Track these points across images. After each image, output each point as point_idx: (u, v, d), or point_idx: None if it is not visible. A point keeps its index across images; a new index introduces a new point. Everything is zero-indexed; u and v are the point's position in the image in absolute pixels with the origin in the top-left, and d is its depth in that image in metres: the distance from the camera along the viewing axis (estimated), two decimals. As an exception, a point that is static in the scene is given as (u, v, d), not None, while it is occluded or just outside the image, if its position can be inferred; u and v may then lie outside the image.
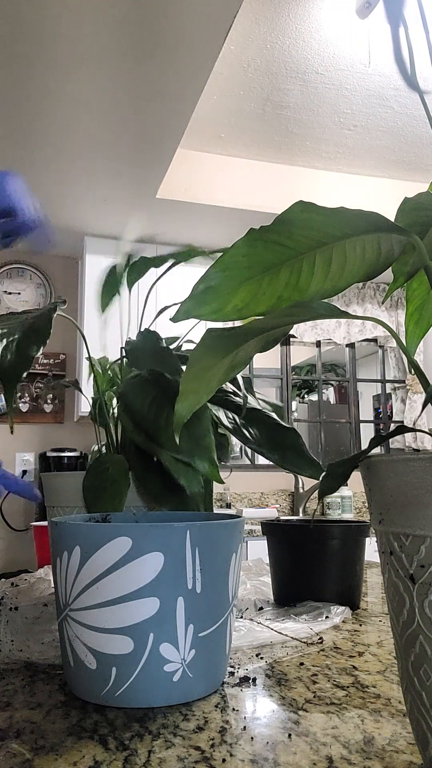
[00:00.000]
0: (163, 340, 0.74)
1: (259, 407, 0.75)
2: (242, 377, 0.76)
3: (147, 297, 0.85)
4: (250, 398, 0.76)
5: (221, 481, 0.65)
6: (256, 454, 3.56)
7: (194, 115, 2.53)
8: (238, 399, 0.75)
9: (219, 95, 2.50)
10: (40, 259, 3.36)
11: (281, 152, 2.93)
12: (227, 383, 0.77)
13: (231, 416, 0.74)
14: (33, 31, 1.75)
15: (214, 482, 0.69)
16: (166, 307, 0.78)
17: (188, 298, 0.40)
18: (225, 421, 0.72)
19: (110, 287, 0.79)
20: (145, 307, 0.84)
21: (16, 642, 0.64)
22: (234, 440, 0.75)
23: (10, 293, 3.27)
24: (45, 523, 1.30)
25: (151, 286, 0.83)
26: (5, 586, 0.89)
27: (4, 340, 0.51)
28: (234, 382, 0.77)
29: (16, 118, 2.16)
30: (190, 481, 0.65)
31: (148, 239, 3.25)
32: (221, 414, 0.73)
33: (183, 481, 0.65)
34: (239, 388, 0.76)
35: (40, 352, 0.51)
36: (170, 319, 0.68)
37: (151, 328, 0.78)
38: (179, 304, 0.40)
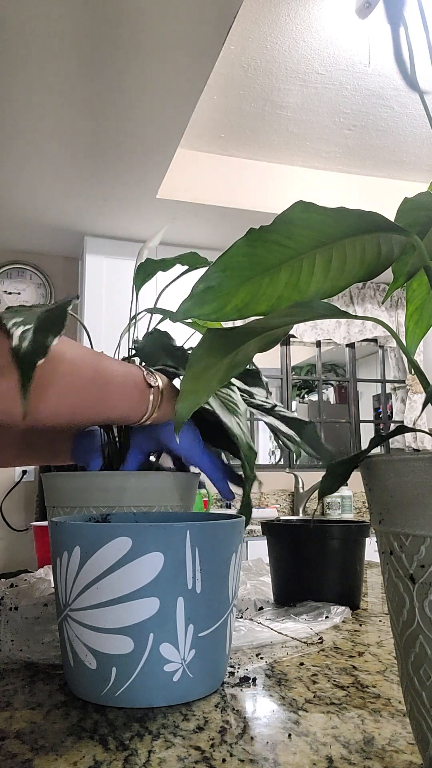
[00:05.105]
0: (175, 340, 0.76)
1: (269, 406, 0.78)
2: (254, 370, 0.80)
3: (156, 301, 0.85)
4: (264, 393, 0.79)
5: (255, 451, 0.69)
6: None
7: (194, 115, 2.53)
8: (248, 397, 0.77)
9: (219, 95, 2.50)
10: (40, 259, 3.36)
11: (281, 152, 2.93)
12: (237, 379, 0.80)
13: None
14: (28, 25, 1.75)
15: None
16: (164, 313, 0.79)
17: (188, 298, 0.40)
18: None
19: (144, 270, 0.80)
20: (155, 307, 0.84)
21: (16, 642, 0.64)
22: None
23: (10, 293, 3.27)
24: (45, 523, 1.30)
25: (161, 292, 0.84)
26: (5, 586, 0.89)
27: (21, 328, 0.50)
28: (258, 383, 0.80)
29: (15, 117, 2.16)
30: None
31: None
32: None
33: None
34: (266, 389, 0.81)
35: (55, 342, 0.50)
36: (170, 319, 0.68)
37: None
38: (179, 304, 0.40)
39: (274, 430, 0.75)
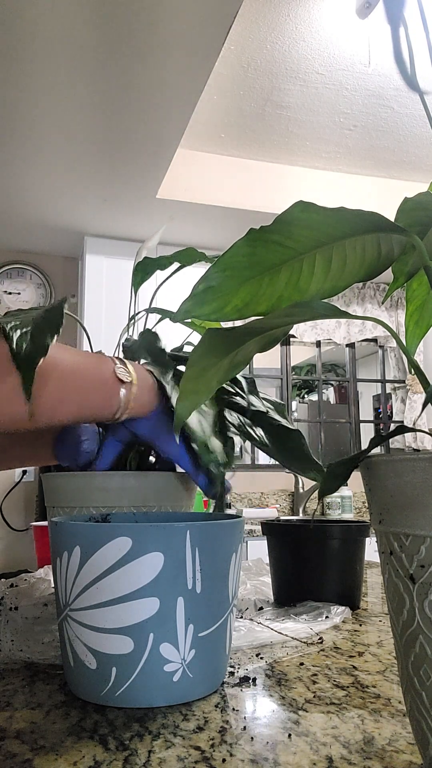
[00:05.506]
0: (161, 341, 0.75)
1: (263, 410, 0.75)
2: (245, 378, 0.77)
3: (152, 299, 0.85)
4: (255, 400, 0.76)
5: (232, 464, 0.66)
6: (256, 453, 3.53)
7: (194, 115, 2.53)
8: (240, 400, 0.75)
9: (219, 95, 2.50)
10: (40, 259, 3.36)
11: (281, 152, 2.93)
12: (231, 384, 0.78)
13: (235, 415, 0.75)
14: (29, 26, 1.75)
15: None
16: (163, 312, 0.79)
17: (188, 298, 0.40)
18: (231, 420, 0.73)
19: (143, 269, 0.80)
20: (150, 306, 0.84)
21: (16, 642, 0.64)
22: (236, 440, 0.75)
23: (10, 293, 3.27)
24: (45, 523, 1.30)
25: (156, 289, 0.84)
26: (5, 586, 0.89)
27: (18, 331, 0.51)
28: (237, 383, 0.77)
29: (16, 118, 2.16)
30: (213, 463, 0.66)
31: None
32: (228, 413, 0.73)
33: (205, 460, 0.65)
34: (242, 389, 0.77)
35: (54, 340, 0.50)
36: (170, 319, 0.68)
37: (153, 330, 0.78)
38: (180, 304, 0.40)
39: (260, 446, 0.73)
